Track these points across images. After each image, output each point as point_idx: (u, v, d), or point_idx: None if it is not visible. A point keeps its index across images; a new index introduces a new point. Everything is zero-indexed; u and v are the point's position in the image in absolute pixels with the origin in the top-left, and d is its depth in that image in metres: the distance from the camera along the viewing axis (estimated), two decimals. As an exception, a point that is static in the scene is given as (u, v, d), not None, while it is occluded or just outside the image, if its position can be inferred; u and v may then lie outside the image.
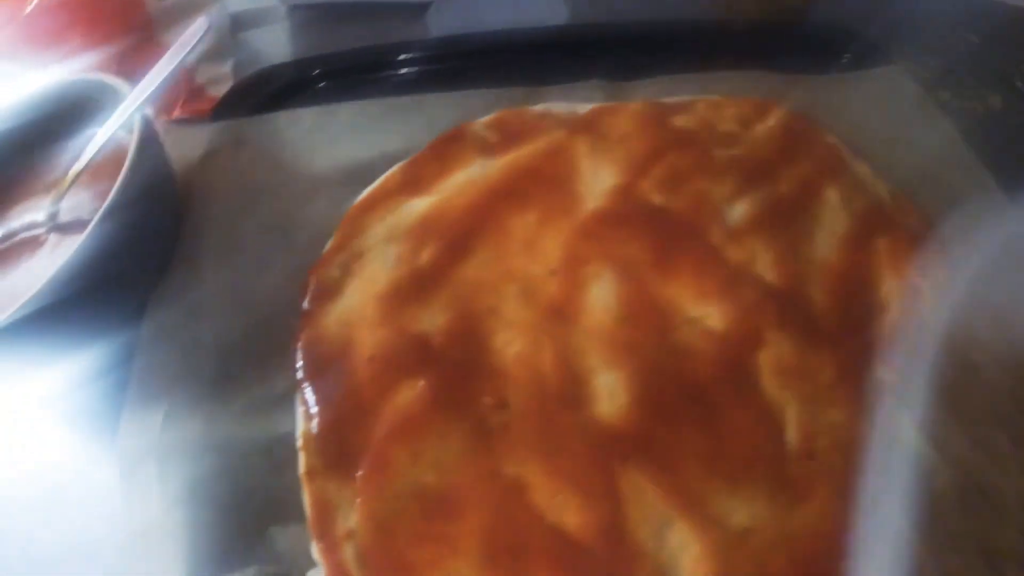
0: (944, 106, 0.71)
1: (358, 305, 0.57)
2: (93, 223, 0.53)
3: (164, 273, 0.60)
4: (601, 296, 0.58)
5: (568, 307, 0.57)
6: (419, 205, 0.60)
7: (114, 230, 0.54)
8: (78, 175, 0.60)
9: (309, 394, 0.55)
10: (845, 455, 0.52)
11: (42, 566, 0.55)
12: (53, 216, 0.61)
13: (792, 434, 0.54)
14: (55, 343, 0.57)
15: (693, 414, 0.54)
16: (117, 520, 0.54)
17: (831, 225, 0.61)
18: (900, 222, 0.61)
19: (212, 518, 0.53)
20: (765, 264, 0.59)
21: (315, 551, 0.53)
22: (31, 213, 0.62)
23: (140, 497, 0.54)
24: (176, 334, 0.57)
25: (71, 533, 0.55)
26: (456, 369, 0.55)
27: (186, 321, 0.58)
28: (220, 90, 0.69)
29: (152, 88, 0.57)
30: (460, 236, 0.58)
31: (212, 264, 0.59)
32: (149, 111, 0.58)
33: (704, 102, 0.67)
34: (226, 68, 0.72)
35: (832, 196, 0.62)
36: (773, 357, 0.56)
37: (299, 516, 0.54)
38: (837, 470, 0.52)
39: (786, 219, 0.60)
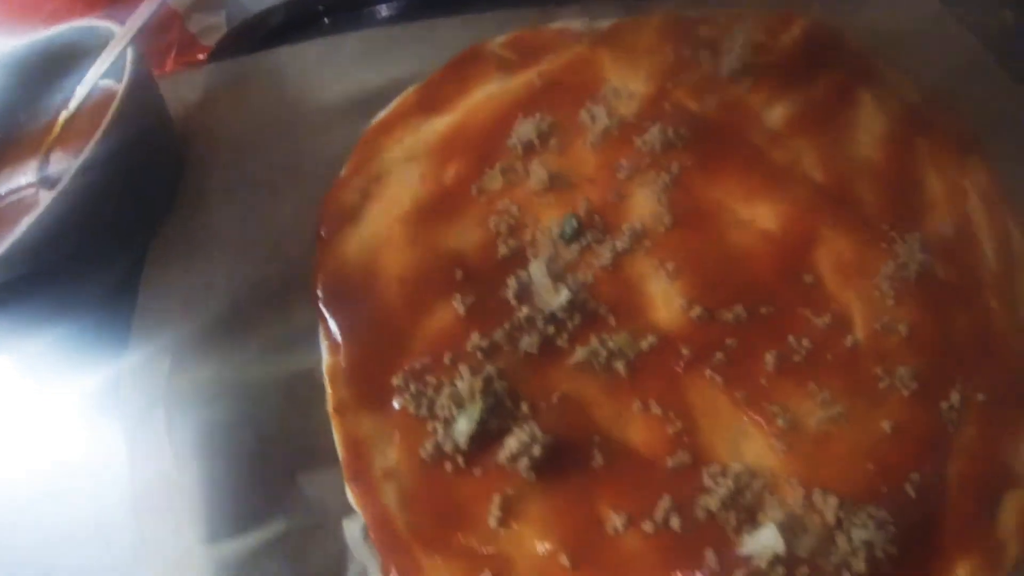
0: (961, 20, 0.69)
1: (382, 228, 0.51)
2: (73, 170, 0.47)
3: (166, 219, 0.54)
4: (646, 202, 0.52)
5: (610, 215, 0.52)
6: (439, 124, 0.55)
7: (102, 178, 0.48)
8: (65, 124, 0.55)
9: (333, 324, 0.49)
10: (917, 354, 0.48)
11: (45, 550, 0.47)
12: (43, 173, 0.55)
13: (860, 333, 0.49)
14: (47, 302, 0.51)
15: (756, 316, 0.49)
16: (125, 486, 0.47)
17: (870, 126, 0.57)
18: (937, 123, 0.58)
19: (231, 469, 0.46)
20: (811, 163, 0.55)
21: (351, 496, 0.46)
22: (20, 176, 0.56)
23: (148, 453, 0.47)
24: (181, 277, 0.51)
25: (77, 509, 0.48)
26: (496, 285, 0.49)
27: (192, 263, 0.51)
28: (212, 40, 0.64)
29: (141, 22, 0.52)
30: (486, 150, 0.53)
31: (218, 203, 0.53)
32: (140, 49, 0.53)
33: (725, 14, 0.63)
34: (219, 17, 0.67)
35: (867, 99, 0.58)
36: (831, 254, 0.52)
37: (330, 459, 0.47)
38: (912, 369, 0.47)
39: (825, 121, 0.56)
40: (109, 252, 0.52)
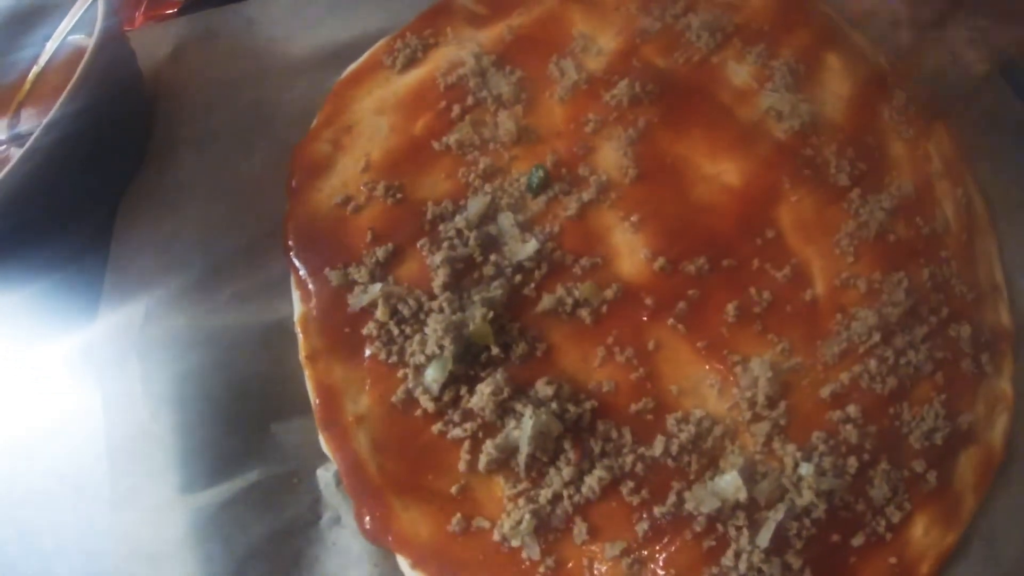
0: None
1: (352, 178, 0.51)
2: (40, 128, 0.46)
3: (136, 173, 0.53)
4: (612, 155, 0.52)
5: (577, 168, 0.52)
6: (409, 76, 0.54)
7: (72, 135, 0.47)
8: (36, 80, 0.53)
9: (304, 273, 0.48)
10: (875, 310, 0.49)
11: (23, 508, 0.47)
12: (14, 130, 0.53)
13: (819, 287, 0.51)
14: (19, 260, 0.50)
15: (718, 268, 0.50)
16: (100, 443, 0.46)
17: (835, 88, 0.57)
18: (903, 88, 0.58)
19: (205, 419, 0.46)
20: (775, 122, 0.55)
21: (323, 443, 0.46)
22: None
23: (122, 403, 0.47)
24: (152, 229, 0.50)
25: (54, 466, 0.47)
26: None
27: (162, 215, 0.51)
28: (180, -5, 0.63)
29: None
30: (456, 103, 0.53)
31: (188, 156, 0.52)
32: (111, 4, 0.51)
33: (696, -27, 0.63)
34: (188, -29, 0.66)
35: (833, 62, 0.58)
36: (793, 211, 0.53)
37: (303, 408, 0.47)
38: (870, 324, 0.48)
39: (791, 81, 0.56)
40: (80, 208, 0.51)
